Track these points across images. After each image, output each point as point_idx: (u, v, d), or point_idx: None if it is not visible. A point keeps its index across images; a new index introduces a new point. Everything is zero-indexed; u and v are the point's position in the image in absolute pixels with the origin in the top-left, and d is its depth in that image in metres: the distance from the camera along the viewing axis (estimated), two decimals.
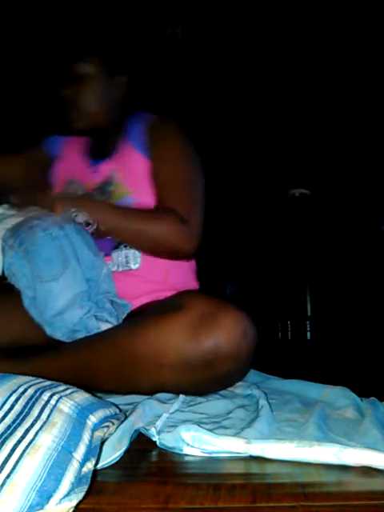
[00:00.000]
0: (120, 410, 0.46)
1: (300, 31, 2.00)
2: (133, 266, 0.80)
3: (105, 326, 0.71)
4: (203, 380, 0.59)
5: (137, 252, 0.80)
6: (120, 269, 0.81)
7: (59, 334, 0.70)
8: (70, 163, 0.91)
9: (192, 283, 0.90)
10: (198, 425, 0.45)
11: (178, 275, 0.85)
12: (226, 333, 0.56)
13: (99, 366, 0.62)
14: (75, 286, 0.71)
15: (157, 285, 0.81)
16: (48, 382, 0.40)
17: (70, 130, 0.85)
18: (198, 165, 0.83)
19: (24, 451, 0.31)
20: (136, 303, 0.80)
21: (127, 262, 0.80)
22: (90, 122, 0.84)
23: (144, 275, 0.81)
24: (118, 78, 0.85)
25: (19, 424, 0.33)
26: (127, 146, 0.84)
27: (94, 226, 0.75)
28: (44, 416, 0.34)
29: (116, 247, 0.81)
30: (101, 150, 0.88)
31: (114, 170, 0.84)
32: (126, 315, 0.78)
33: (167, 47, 2.01)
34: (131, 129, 0.86)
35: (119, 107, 0.87)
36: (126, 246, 0.81)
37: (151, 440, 0.48)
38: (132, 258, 0.80)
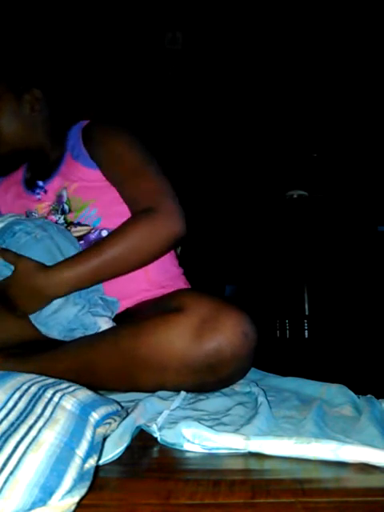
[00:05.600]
0: (122, 407, 0.47)
1: (296, 35, 2.01)
2: None
3: (101, 321, 0.71)
4: (205, 381, 0.59)
5: None
6: None
7: (55, 333, 0.70)
8: (12, 197, 0.88)
9: (175, 271, 0.88)
10: (199, 421, 0.46)
11: (158, 268, 0.82)
12: (227, 336, 0.56)
13: (101, 368, 0.63)
14: None
15: (139, 283, 0.80)
16: (51, 380, 0.40)
17: None
18: (142, 146, 0.77)
19: (27, 448, 0.31)
20: (125, 304, 0.79)
21: None
22: (8, 146, 0.80)
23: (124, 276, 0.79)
24: (30, 92, 0.81)
25: (22, 421, 0.33)
26: (70, 161, 0.81)
27: None
28: (47, 413, 0.35)
29: None
30: (42, 171, 0.85)
31: (62, 188, 0.81)
32: (116, 313, 0.77)
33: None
34: (69, 143, 0.83)
35: (44, 123, 0.83)
36: None
37: (152, 436, 0.48)
38: None
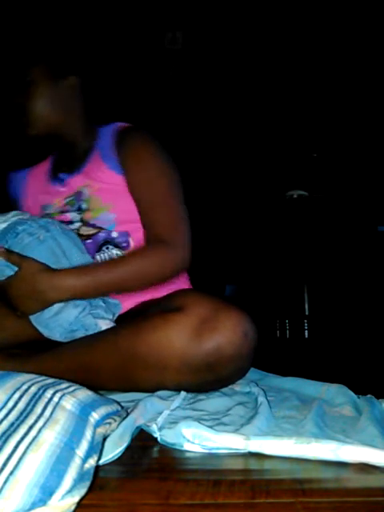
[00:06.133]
0: (122, 407, 0.47)
1: (297, 35, 2.01)
2: None
3: (102, 323, 0.71)
4: (205, 380, 0.60)
5: (120, 251, 0.79)
6: None
7: (57, 335, 0.70)
8: (37, 188, 0.90)
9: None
10: (199, 421, 0.46)
11: None
12: (227, 335, 0.56)
13: (101, 368, 0.63)
14: None
15: None
16: (51, 380, 0.40)
17: (25, 137, 0.83)
18: (172, 172, 0.80)
19: (27, 448, 0.31)
20: (126, 305, 0.80)
21: None
22: (41, 127, 0.81)
23: None
24: (68, 79, 0.83)
25: (22, 421, 0.33)
26: (97, 160, 0.82)
27: None
28: (47, 413, 0.35)
29: (99, 250, 0.80)
30: (67, 163, 0.86)
31: (84, 185, 0.81)
32: (118, 315, 0.78)
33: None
34: (99, 141, 0.84)
35: (78, 112, 0.85)
36: (108, 248, 0.79)
37: (152, 436, 0.48)
38: None
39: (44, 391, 0.38)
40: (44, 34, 0.88)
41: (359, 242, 2.40)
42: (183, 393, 0.61)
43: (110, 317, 0.74)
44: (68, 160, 0.87)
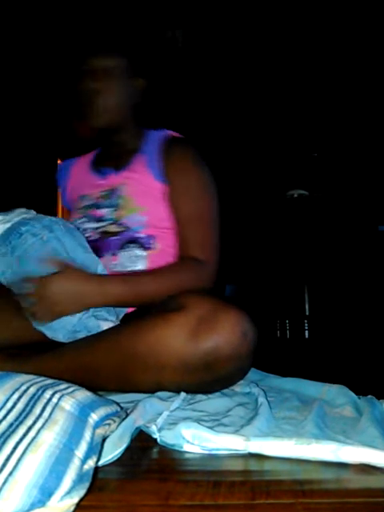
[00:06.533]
0: (121, 408, 0.47)
1: (298, 35, 2.01)
2: (141, 267, 0.79)
3: (105, 325, 0.71)
4: (204, 380, 0.60)
5: (144, 252, 0.79)
6: (125, 269, 0.79)
7: (60, 336, 0.71)
8: (78, 178, 0.91)
9: None
10: (198, 422, 0.46)
11: None
12: (225, 334, 0.56)
13: (100, 367, 0.63)
14: None
15: None
16: (50, 381, 0.40)
17: (85, 125, 0.84)
18: (212, 188, 0.83)
19: (26, 449, 0.31)
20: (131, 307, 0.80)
21: (132, 262, 0.79)
22: (105, 120, 0.82)
23: None
24: (138, 80, 0.85)
25: (21, 422, 0.33)
26: (140, 163, 0.83)
27: None
28: (46, 414, 0.35)
29: (122, 247, 0.80)
30: (112, 160, 0.87)
31: (122, 184, 0.82)
32: (124, 314, 0.78)
33: (170, 52, 2.02)
34: (146, 145, 0.85)
35: (134, 112, 0.86)
36: (129, 247, 0.80)
37: (152, 437, 0.48)
38: (140, 259, 0.79)
39: (43, 392, 0.38)
40: (129, 32, 0.92)
41: (359, 241, 2.40)
42: (183, 394, 0.61)
43: (113, 318, 0.74)
44: (113, 156, 0.88)
